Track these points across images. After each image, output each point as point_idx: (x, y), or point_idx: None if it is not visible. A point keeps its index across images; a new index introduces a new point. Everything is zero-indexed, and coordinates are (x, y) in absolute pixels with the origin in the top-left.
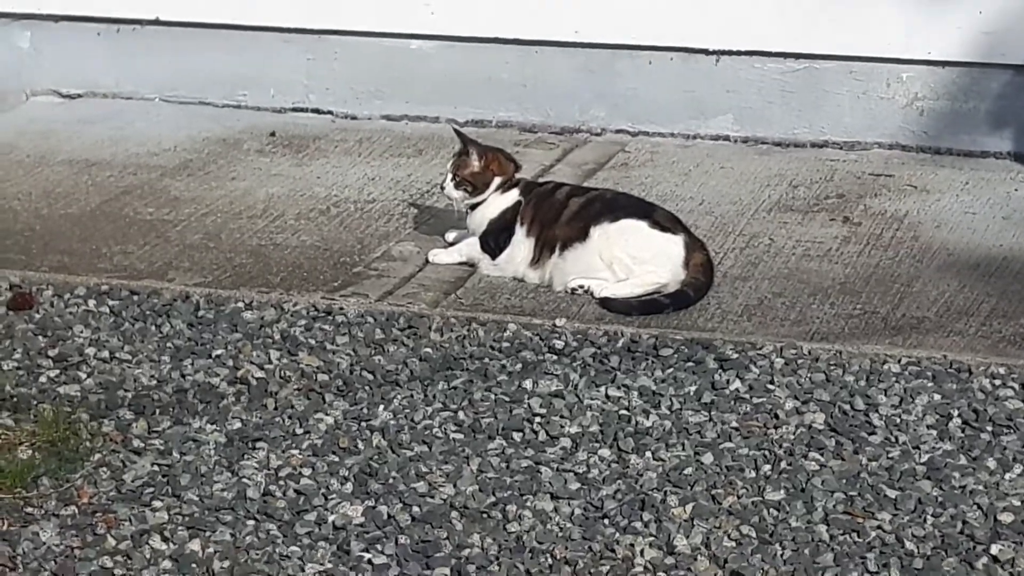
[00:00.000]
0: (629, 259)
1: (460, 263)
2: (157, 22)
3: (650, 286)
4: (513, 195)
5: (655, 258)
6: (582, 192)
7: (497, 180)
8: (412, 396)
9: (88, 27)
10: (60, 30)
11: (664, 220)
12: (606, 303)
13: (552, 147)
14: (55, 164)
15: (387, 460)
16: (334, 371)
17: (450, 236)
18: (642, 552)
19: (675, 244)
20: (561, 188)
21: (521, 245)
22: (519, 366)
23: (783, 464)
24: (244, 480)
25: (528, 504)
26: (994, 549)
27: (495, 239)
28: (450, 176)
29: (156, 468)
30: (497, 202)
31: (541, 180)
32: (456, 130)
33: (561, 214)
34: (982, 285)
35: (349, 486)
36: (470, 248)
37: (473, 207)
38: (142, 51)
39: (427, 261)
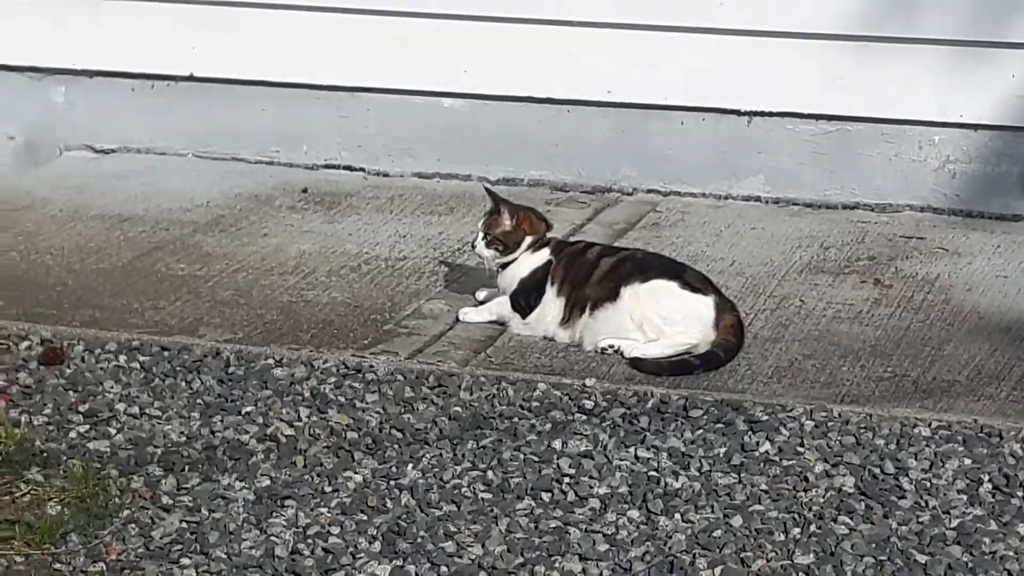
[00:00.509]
0: (660, 320)
1: (490, 321)
2: (191, 78)
3: (680, 347)
4: (544, 254)
5: (685, 319)
6: (613, 252)
7: (528, 239)
8: (441, 455)
9: (122, 82)
10: (94, 85)
11: (694, 281)
12: (636, 363)
13: (584, 206)
14: (88, 219)
15: (416, 519)
16: (363, 429)
17: (481, 295)
18: None
19: (705, 305)
20: (592, 248)
21: (551, 304)
22: (548, 426)
23: (812, 527)
24: (272, 538)
25: (556, 565)
26: None
27: (526, 298)
28: (481, 235)
29: (184, 525)
30: (528, 261)
31: (572, 239)
32: (487, 189)
33: (592, 274)
34: (1013, 349)
35: (377, 545)
36: (500, 307)
37: (504, 266)
38: (176, 107)
39: (457, 319)
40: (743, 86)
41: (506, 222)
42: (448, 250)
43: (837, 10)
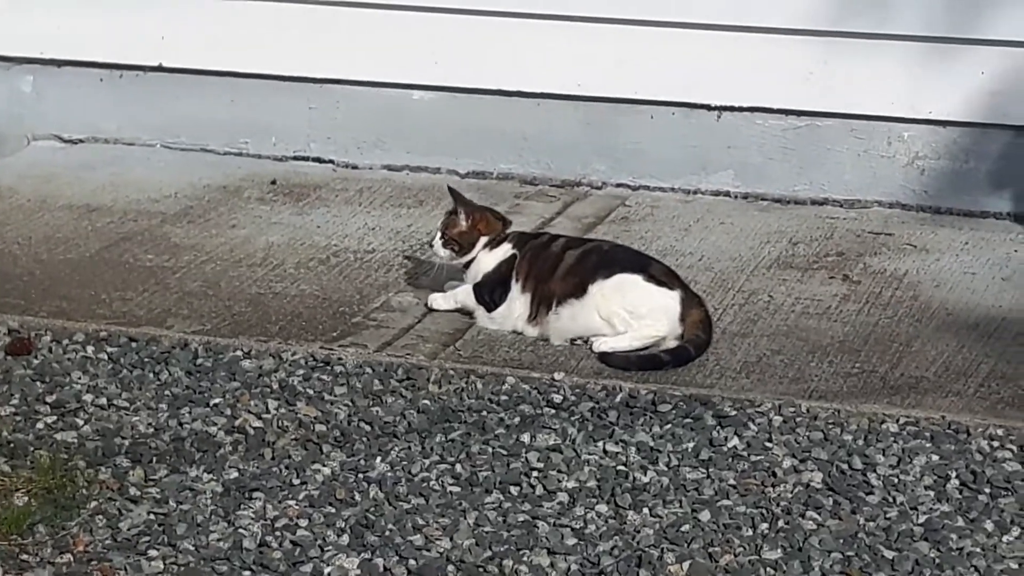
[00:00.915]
0: (626, 313)
1: (455, 310)
2: (160, 68)
3: (648, 340)
4: (505, 248)
5: (651, 312)
6: (578, 244)
7: (483, 239)
8: (410, 448)
9: (91, 72)
10: (63, 75)
11: (660, 274)
12: (604, 358)
13: (553, 200)
14: (55, 209)
15: (384, 512)
16: (332, 421)
17: (450, 287)
18: None
19: (671, 298)
20: (557, 240)
21: (517, 301)
22: (517, 419)
23: (780, 523)
24: (240, 530)
25: (525, 559)
26: None
27: (489, 292)
28: (439, 235)
29: (152, 517)
30: (488, 258)
31: (536, 232)
32: (450, 188)
33: (557, 268)
34: (981, 346)
35: (346, 538)
36: (465, 296)
37: (466, 265)
38: (144, 97)
39: (426, 311)
40: (713, 81)
41: (462, 223)
42: (417, 243)
43: (807, 6)
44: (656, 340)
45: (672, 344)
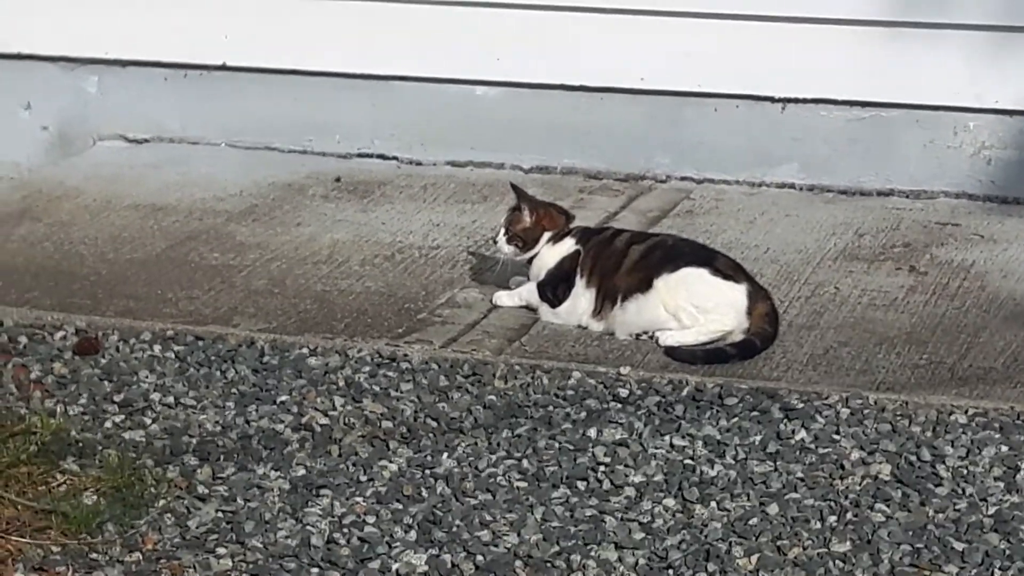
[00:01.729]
0: (693, 308)
1: (519, 306)
2: (224, 67)
3: (715, 334)
4: (569, 244)
5: (718, 307)
6: (642, 239)
7: (547, 235)
8: (476, 444)
9: (155, 72)
10: (127, 75)
11: (726, 268)
12: (671, 352)
13: (617, 194)
14: (121, 209)
15: (451, 508)
16: (398, 418)
17: (515, 283)
18: None
19: (738, 292)
20: (621, 235)
21: (582, 297)
22: (583, 414)
23: (849, 515)
24: (308, 527)
25: (592, 554)
26: None
27: (552, 289)
28: (503, 231)
29: (220, 515)
30: (551, 253)
31: (599, 227)
32: (513, 186)
33: (621, 263)
34: None
35: (413, 534)
36: (530, 294)
37: (530, 260)
38: (208, 96)
39: (491, 307)
40: (777, 73)
41: (526, 219)
42: (482, 239)
43: None
44: (723, 334)
45: (738, 337)
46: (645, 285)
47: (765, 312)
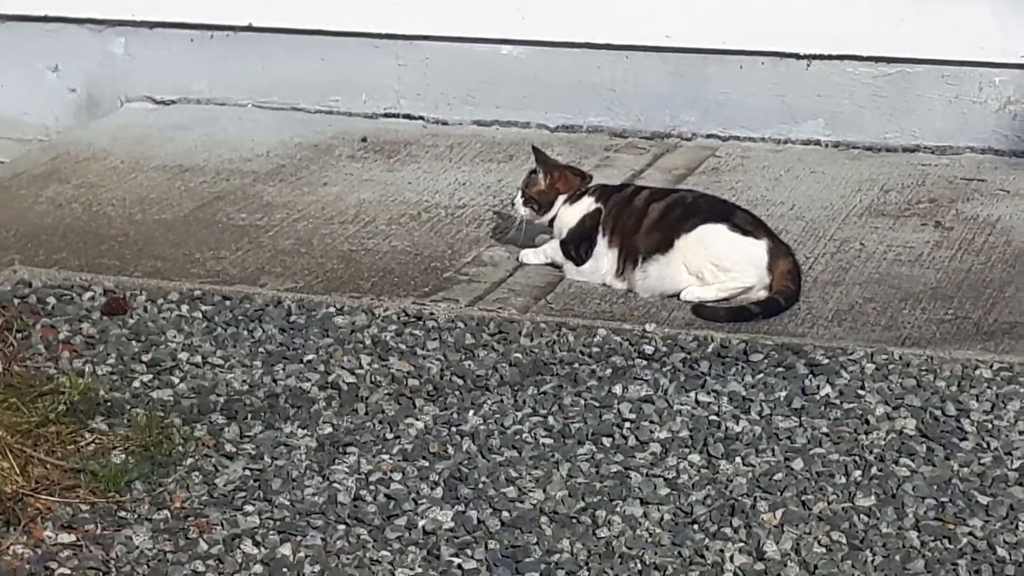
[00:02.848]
0: (714, 266)
1: (545, 264)
2: (250, 28)
3: (735, 291)
4: (588, 202)
5: (736, 264)
6: (661, 196)
7: (562, 197)
8: (502, 401)
9: (181, 33)
10: (154, 36)
11: (745, 224)
12: (695, 310)
13: (642, 152)
14: (149, 170)
15: (477, 465)
16: (424, 376)
17: (540, 240)
18: (732, 558)
19: (758, 248)
20: (640, 193)
21: (605, 257)
22: (609, 371)
23: (874, 470)
24: (335, 485)
25: (618, 509)
26: None
27: (576, 247)
28: (520, 193)
29: (248, 472)
30: (571, 212)
31: (619, 184)
32: (534, 148)
33: (641, 223)
34: None
35: (439, 491)
36: (554, 251)
37: (551, 222)
38: (235, 57)
39: (517, 265)
40: (802, 29)
41: (541, 181)
42: (507, 198)
43: None
44: (744, 290)
45: (762, 294)
46: (665, 246)
47: (787, 269)
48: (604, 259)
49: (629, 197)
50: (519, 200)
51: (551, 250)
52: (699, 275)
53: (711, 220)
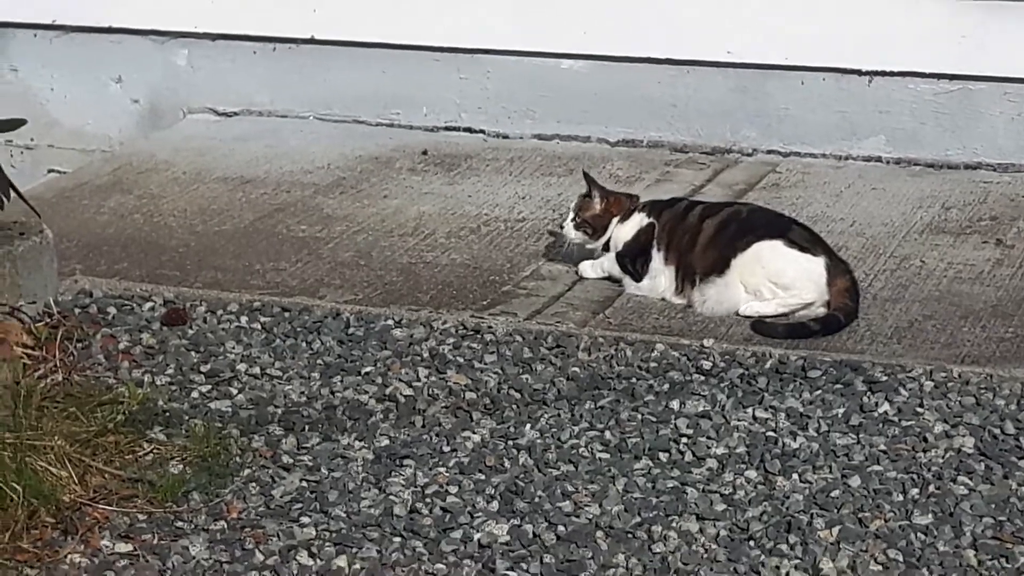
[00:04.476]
0: (772, 284)
1: (602, 278)
2: (312, 40)
3: (795, 307)
4: (639, 218)
5: (795, 281)
6: (715, 211)
7: (614, 221)
8: (559, 415)
9: (244, 45)
10: (216, 48)
11: (802, 240)
12: (754, 327)
13: (703, 167)
14: (210, 181)
15: (533, 479)
16: (482, 389)
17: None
18: (788, 574)
19: (816, 264)
20: (693, 209)
21: (661, 275)
22: (666, 386)
23: (931, 488)
24: (391, 497)
25: (674, 525)
26: None
27: (632, 262)
28: (571, 216)
29: (304, 484)
30: (623, 229)
31: (668, 198)
32: (585, 174)
33: (696, 239)
34: None
35: (495, 504)
36: (611, 264)
37: (605, 246)
38: (297, 69)
39: (576, 279)
40: (863, 45)
41: (596, 206)
42: (567, 211)
43: None
44: (804, 306)
45: (820, 310)
46: (722, 266)
47: (846, 287)
48: (661, 277)
49: (682, 213)
50: (569, 224)
51: (608, 263)
52: (757, 293)
53: (767, 236)
